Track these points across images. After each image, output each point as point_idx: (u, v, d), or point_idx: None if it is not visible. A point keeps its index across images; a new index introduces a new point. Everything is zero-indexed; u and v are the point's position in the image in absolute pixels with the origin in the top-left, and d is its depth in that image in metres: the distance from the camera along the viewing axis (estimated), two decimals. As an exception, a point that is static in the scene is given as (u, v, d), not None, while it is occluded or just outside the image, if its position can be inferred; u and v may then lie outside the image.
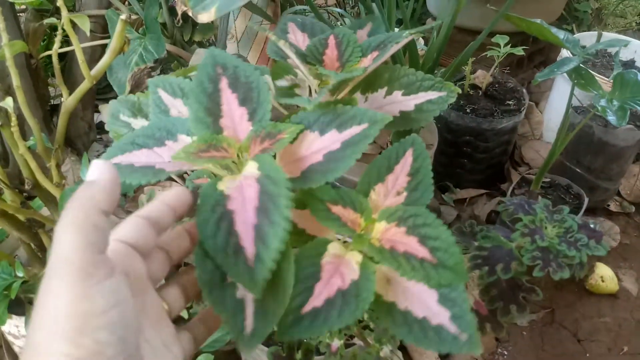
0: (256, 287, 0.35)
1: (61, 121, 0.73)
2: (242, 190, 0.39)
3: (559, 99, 1.45)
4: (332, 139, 0.42)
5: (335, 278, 0.41)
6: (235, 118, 0.44)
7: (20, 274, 0.72)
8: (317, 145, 0.42)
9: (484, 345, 1.05)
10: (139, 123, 0.59)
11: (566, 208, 0.65)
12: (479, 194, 1.34)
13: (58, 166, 0.74)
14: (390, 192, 0.49)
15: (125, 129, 0.59)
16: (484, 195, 1.35)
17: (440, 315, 0.40)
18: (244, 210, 0.38)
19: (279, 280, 0.37)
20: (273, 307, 0.37)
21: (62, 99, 0.70)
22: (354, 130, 0.41)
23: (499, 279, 0.67)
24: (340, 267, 0.42)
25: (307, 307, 0.39)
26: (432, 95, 0.55)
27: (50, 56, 0.75)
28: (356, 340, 0.84)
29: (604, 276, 1.14)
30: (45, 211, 0.82)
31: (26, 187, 0.74)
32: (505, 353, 1.06)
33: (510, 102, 1.31)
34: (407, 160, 0.49)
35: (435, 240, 0.41)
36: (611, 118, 0.85)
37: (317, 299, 0.40)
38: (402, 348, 1.03)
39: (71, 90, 0.90)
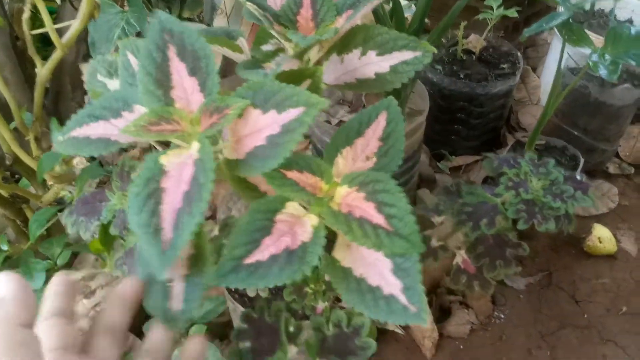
0: (162, 270, 0.36)
1: (37, 93, 0.72)
2: (182, 169, 0.39)
3: (555, 63, 1.41)
4: (273, 120, 0.40)
5: (286, 237, 0.41)
6: (187, 89, 0.43)
7: (4, 247, 0.71)
8: (261, 123, 0.41)
9: (480, 308, 1.05)
10: (114, 84, 0.58)
11: (551, 161, 0.63)
12: (475, 160, 1.33)
13: (37, 139, 0.73)
14: (359, 156, 0.47)
15: (102, 89, 0.59)
16: (480, 162, 1.33)
17: (392, 285, 0.39)
18: (175, 191, 0.38)
19: (202, 259, 0.39)
20: (199, 284, 0.39)
21: (37, 70, 0.69)
22: (291, 113, 0.39)
23: (486, 236, 0.66)
24: (295, 227, 0.42)
25: (250, 259, 0.39)
26: (407, 55, 0.53)
27: (38, 38, 0.74)
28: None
29: (602, 237, 1.12)
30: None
31: (7, 162, 0.73)
32: (502, 316, 1.05)
33: (505, 66, 1.28)
34: (380, 123, 0.48)
35: (392, 208, 0.40)
36: (602, 72, 0.83)
37: (262, 253, 0.39)
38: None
39: (59, 73, 0.89)
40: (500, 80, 1.23)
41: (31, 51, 0.72)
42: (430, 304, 1.03)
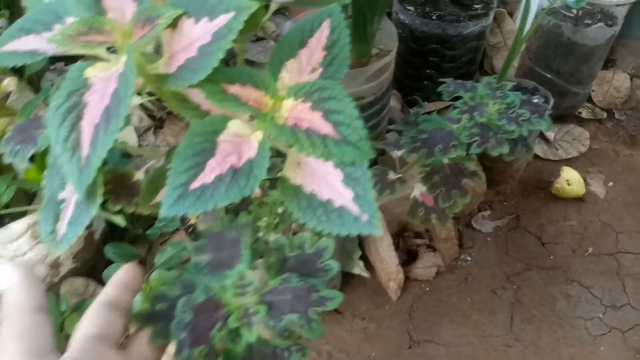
0: (82, 188, 0.35)
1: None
2: (107, 83, 0.37)
3: (531, 6, 1.38)
4: (205, 29, 0.38)
5: (232, 156, 0.39)
6: None
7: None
8: (194, 34, 0.39)
9: (446, 252, 1.04)
10: None
11: (509, 84, 0.61)
12: (446, 105, 1.30)
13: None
14: (305, 69, 0.45)
15: (38, 5, 0.56)
16: (452, 107, 1.30)
17: (344, 196, 0.38)
18: (97, 106, 0.36)
19: (95, 185, 0.38)
20: (87, 211, 0.38)
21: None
22: (222, 19, 0.37)
23: (443, 165, 0.64)
24: (241, 146, 0.40)
25: (196, 184, 0.37)
26: None
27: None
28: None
29: (570, 179, 1.11)
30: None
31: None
32: (469, 259, 1.05)
33: (478, 7, 1.25)
34: (324, 32, 0.46)
35: (339, 115, 0.38)
36: (570, 0, 0.80)
37: (207, 176, 0.37)
38: (364, 257, 1.01)
39: (16, 7, 0.85)
40: (472, 21, 1.20)
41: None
42: (396, 247, 1.02)
